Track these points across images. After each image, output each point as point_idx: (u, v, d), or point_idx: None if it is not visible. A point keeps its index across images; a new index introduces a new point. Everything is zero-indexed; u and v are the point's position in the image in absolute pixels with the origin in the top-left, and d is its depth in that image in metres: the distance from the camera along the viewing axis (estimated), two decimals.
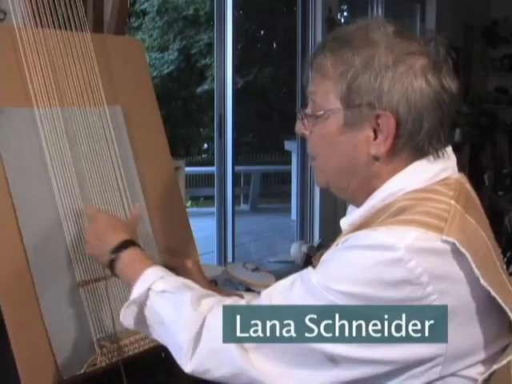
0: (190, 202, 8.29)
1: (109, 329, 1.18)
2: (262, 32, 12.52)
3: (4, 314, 1.06)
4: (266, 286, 1.75)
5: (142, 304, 0.98)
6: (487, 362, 0.85)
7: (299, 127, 0.97)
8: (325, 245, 3.68)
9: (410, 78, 0.86)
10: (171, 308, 0.94)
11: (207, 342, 0.88)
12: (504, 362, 0.83)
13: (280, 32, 11.28)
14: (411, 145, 0.88)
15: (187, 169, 2.99)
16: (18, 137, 1.16)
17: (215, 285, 1.74)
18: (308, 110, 0.94)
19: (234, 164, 3.81)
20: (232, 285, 1.74)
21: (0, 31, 1.19)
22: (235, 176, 3.94)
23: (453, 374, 0.83)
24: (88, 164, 1.24)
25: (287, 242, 4.69)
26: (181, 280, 1.01)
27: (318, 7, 4.25)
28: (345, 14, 8.81)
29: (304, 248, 4.07)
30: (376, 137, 0.88)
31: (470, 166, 5.42)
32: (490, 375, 0.84)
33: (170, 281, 0.99)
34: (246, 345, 0.86)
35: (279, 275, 1.76)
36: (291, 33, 5.98)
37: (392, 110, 0.86)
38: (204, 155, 12.06)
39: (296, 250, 4.22)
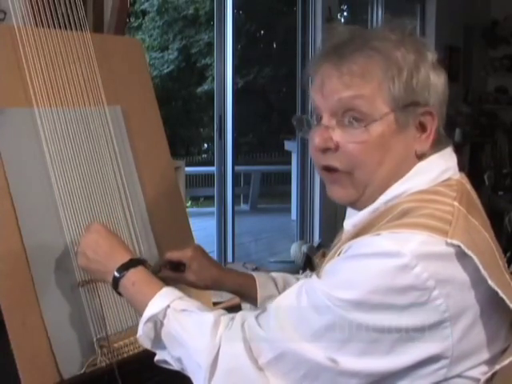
0: (190, 202, 8.29)
1: (109, 329, 1.18)
2: (262, 32, 12.52)
3: (4, 314, 1.06)
4: None
5: (158, 321, 0.96)
6: (490, 362, 0.85)
7: (325, 140, 0.89)
8: (325, 245, 3.68)
9: (433, 72, 0.90)
10: (193, 326, 0.93)
11: (225, 362, 0.88)
12: (506, 361, 0.83)
13: (280, 32, 11.28)
14: (437, 137, 0.91)
15: (187, 169, 2.98)
16: (18, 137, 1.16)
17: None
18: (344, 120, 0.88)
19: (234, 164, 3.81)
20: None
21: (0, 31, 1.19)
22: (235, 176, 3.94)
23: (457, 376, 0.83)
24: (88, 164, 1.24)
25: (287, 242, 4.68)
26: (199, 302, 1.00)
27: (318, 7, 4.25)
28: (345, 13, 8.81)
29: (304, 248, 4.06)
30: (420, 134, 0.90)
31: (470, 166, 5.41)
32: (493, 375, 0.84)
33: (190, 300, 0.99)
34: (260, 363, 0.86)
35: None
36: (291, 33, 5.98)
37: (433, 104, 0.89)
38: (204, 155, 12.06)
39: (296, 250, 4.21)
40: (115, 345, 1.18)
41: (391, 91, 0.86)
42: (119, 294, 1.06)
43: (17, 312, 1.08)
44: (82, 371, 1.13)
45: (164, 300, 0.97)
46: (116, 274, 1.04)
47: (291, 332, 0.84)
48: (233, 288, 1.23)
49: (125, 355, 1.19)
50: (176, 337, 0.94)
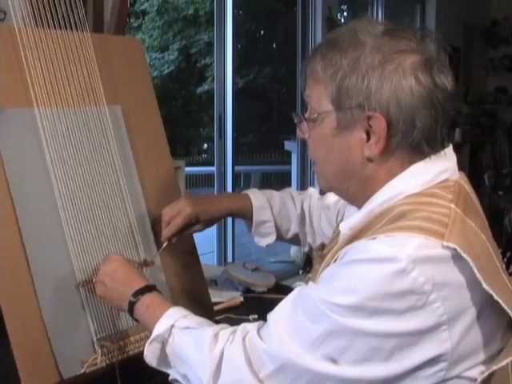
0: None
1: (109, 329, 1.18)
2: (262, 32, 12.53)
3: (4, 314, 1.06)
4: (266, 286, 1.76)
5: (164, 341, 0.98)
6: (487, 362, 0.85)
7: (298, 131, 0.98)
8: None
9: (399, 77, 0.85)
10: (193, 342, 0.95)
11: (227, 375, 0.89)
12: (503, 362, 0.83)
13: (280, 32, 11.29)
14: (405, 144, 0.88)
15: (187, 169, 2.98)
16: (17, 137, 1.16)
17: (215, 285, 1.74)
18: (306, 114, 0.95)
19: (234, 164, 3.81)
20: (232, 285, 1.74)
21: (0, 31, 1.19)
22: (235, 176, 3.95)
23: (455, 377, 0.83)
24: (88, 164, 1.24)
25: None
26: (203, 319, 1.01)
27: (318, 7, 4.25)
28: (345, 14, 8.81)
29: (304, 248, 4.06)
30: (369, 138, 0.88)
31: (470, 166, 5.42)
32: (490, 376, 0.84)
33: (193, 318, 1.00)
34: (261, 376, 0.87)
35: (279, 275, 1.76)
36: (291, 33, 5.98)
37: (382, 110, 0.86)
38: (204, 155, 12.08)
39: (296, 249, 4.21)
40: (115, 345, 1.18)
41: (330, 92, 0.89)
42: (136, 320, 1.08)
43: (17, 312, 1.08)
44: (82, 371, 1.13)
45: (169, 320, 0.99)
46: (132, 298, 1.06)
47: (290, 343, 0.84)
48: (233, 212, 1.35)
49: (125, 355, 1.19)
50: (179, 354, 0.96)
